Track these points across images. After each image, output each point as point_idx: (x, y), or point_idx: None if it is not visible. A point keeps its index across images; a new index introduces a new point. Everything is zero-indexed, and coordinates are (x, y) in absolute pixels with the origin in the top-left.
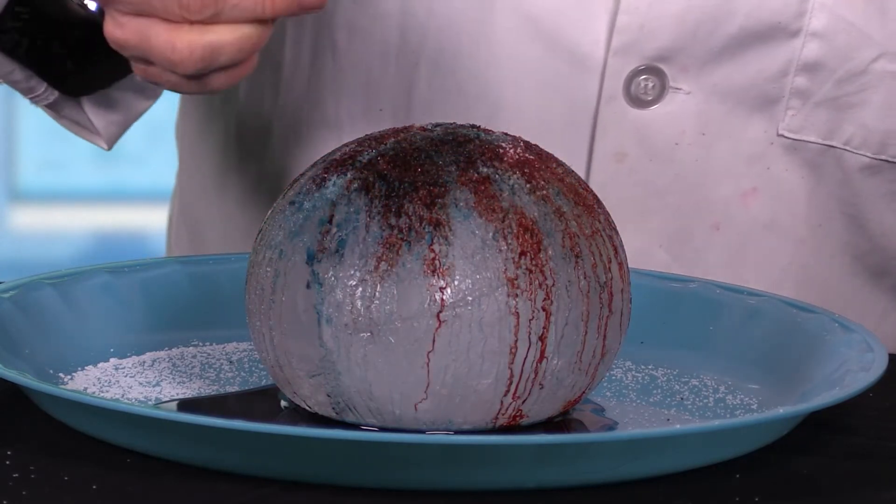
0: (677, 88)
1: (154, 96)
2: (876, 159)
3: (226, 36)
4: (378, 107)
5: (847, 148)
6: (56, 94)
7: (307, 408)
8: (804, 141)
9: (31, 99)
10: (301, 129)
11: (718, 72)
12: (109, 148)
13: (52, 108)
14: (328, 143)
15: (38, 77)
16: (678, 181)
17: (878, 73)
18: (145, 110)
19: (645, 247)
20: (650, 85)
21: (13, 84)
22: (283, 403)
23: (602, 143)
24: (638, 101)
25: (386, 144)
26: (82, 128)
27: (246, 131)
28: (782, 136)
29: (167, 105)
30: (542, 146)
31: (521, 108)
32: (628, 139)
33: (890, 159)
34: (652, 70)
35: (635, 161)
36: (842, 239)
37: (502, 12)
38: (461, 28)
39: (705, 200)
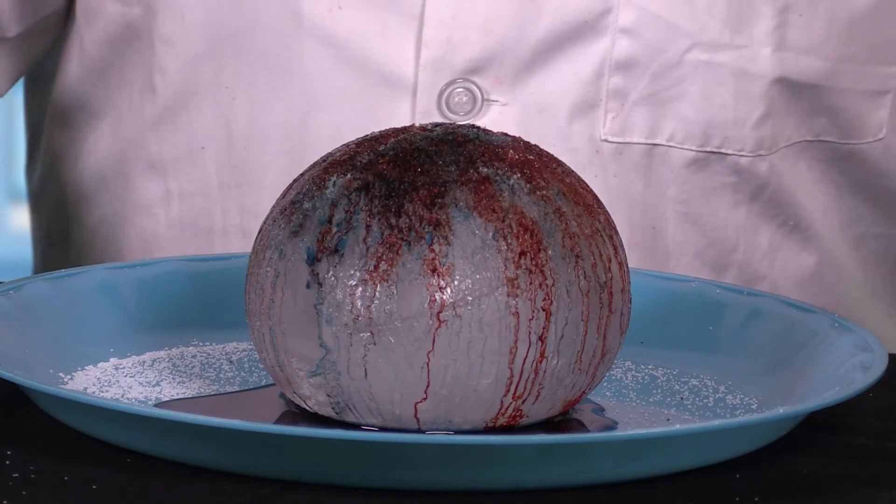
0: (493, 101)
1: None
2: (702, 152)
3: None
4: (199, 145)
5: (671, 144)
6: None
7: (307, 408)
8: (628, 143)
9: None
10: (129, 173)
11: (533, 80)
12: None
13: None
14: (153, 184)
15: None
16: None
17: (692, 63)
18: None
19: None
20: (464, 99)
21: None
22: (282, 403)
23: None
24: (455, 115)
25: (386, 145)
26: None
27: (84, 180)
28: (606, 140)
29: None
30: None
31: (341, 132)
32: None
33: (715, 150)
34: (466, 84)
35: None
36: (676, 239)
37: (309, 42)
38: (271, 62)
39: None
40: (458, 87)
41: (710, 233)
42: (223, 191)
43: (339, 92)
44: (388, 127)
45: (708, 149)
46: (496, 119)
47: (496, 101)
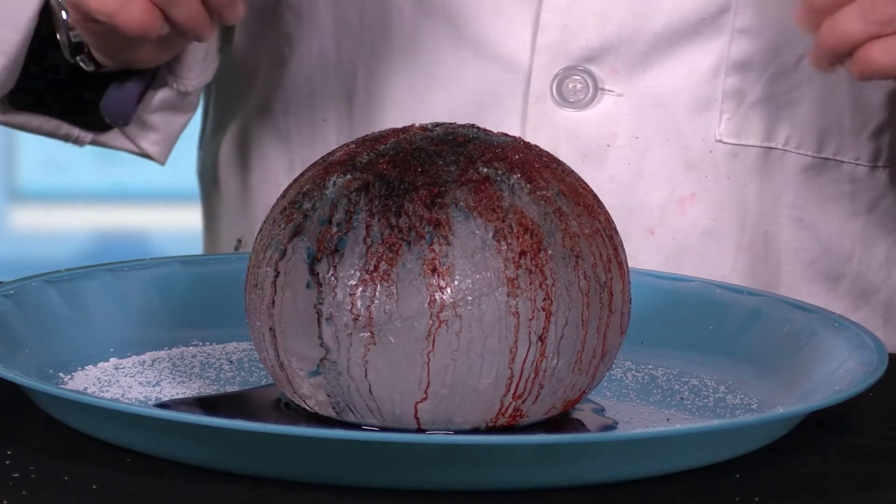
0: (608, 90)
1: (190, 109)
2: (818, 157)
3: None
4: (322, 117)
5: (787, 148)
6: (90, 133)
7: (307, 408)
8: (744, 145)
9: (72, 143)
10: (258, 143)
11: (649, 74)
12: (164, 162)
13: (97, 144)
14: (279, 154)
15: (67, 123)
16: (611, 182)
17: (808, 68)
18: (185, 124)
19: None
20: (579, 86)
21: (50, 135)
22: (283, 403)
23: (533, 141)
24: (568, 103)
25: (386, 145)
26: (132, 151)
27: (228, 150)
28: (721, 142)
29: None
30: None
31: (454, 112)
32: (560, 138)
33: (830, 157)
34: (582, 72)
35: (567, 159)
36: (791, 245)
37: (429, 19)
38: (391, 37)
39: (639, 204)
40: (573, 74)
41: (826, 241)
42: None
43: (455, 71)
44: (501, 106)
45: (823, 155)
46: (609, 110)
47: (611, 90)
